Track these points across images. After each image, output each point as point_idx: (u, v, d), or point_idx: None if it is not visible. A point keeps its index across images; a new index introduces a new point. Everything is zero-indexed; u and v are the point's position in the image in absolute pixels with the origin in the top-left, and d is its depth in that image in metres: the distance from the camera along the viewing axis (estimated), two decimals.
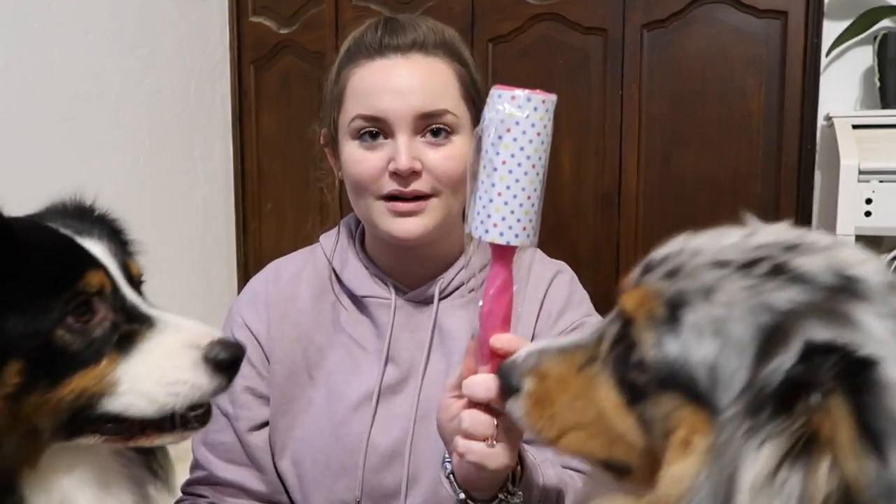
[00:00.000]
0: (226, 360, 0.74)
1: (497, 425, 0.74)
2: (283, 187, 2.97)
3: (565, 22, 2.42)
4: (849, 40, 2.17)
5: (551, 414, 0.65)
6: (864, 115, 2.14)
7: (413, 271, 1.10)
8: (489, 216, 0.72)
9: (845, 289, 0.52)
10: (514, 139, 0.70)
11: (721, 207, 2.29)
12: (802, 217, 2.23)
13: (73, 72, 2.31)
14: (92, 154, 2.39)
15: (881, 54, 2.11)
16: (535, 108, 0.70)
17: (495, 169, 0.71)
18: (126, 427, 0.73)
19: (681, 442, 0.55)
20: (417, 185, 1.02)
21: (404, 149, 1.00)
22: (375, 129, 1.02)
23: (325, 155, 1.21)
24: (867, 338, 0.49)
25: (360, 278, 1.11)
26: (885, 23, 2.14)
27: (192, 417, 0.75)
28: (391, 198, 1.02)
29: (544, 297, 1.11)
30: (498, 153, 0.70)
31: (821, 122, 2.21)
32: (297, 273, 1.15)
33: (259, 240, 3.03)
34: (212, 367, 0.73)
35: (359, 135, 1.04)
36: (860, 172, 1.93)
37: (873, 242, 2.10)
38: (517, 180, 0.70)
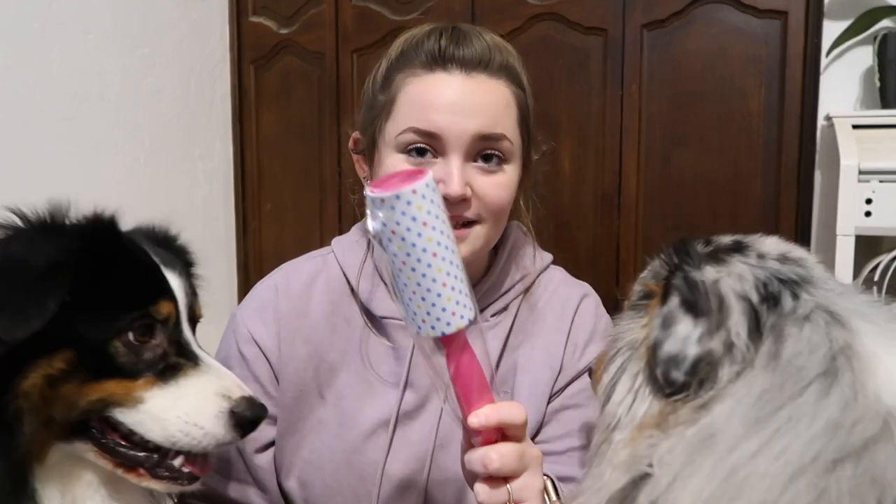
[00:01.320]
0: (248, 420, 0.78)
1: (510, 491, 0.74)
2: (283, 187, 2.97)
3: (565, 22, 2.42)
4: (849, 40, 2.17)
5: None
6: (864, 115, 2.13)
7: None
8: (416, 314, 0.71)
9: (733, 248, 0.71)
10: (402, 239, 0.68)
11: (721, 207, 2.29)
12: (802, 217, 2.22)
13: (73, 72, 2.31)
14: (92, 154, 2.39)
15: (881, 54, 2.11)
16: (409, 202, 0.67)
17: (401, 270, 0.69)
18: (121, 453, 0.76)
19: None
20: (463, 212, 0.97)
21: (457, 173, 0.94)
22: (425, 146, 0.96)
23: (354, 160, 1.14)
24: (726, 268, 0.68)
25: (380, 297, 1.05)
26: (885, 23, 2.14)
27: (184, 473, 0.78)
28: None
29: (571, 325, 1.09)
30: (396, 255, 0.69)
31: (821, 122, 2.21)
32: (308, 283, 1.09)
33: (259, 240, 3.03)
34: (233, 421, 0.77)
35: (406, 149, 0.97)
36: (860, 172, 1.93)
37: (873, 242, 2.10)
38: (423, 275, 0.68)
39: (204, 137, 2.88)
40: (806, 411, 0.56)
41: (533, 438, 1.06)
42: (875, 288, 1.91)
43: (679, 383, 0.62)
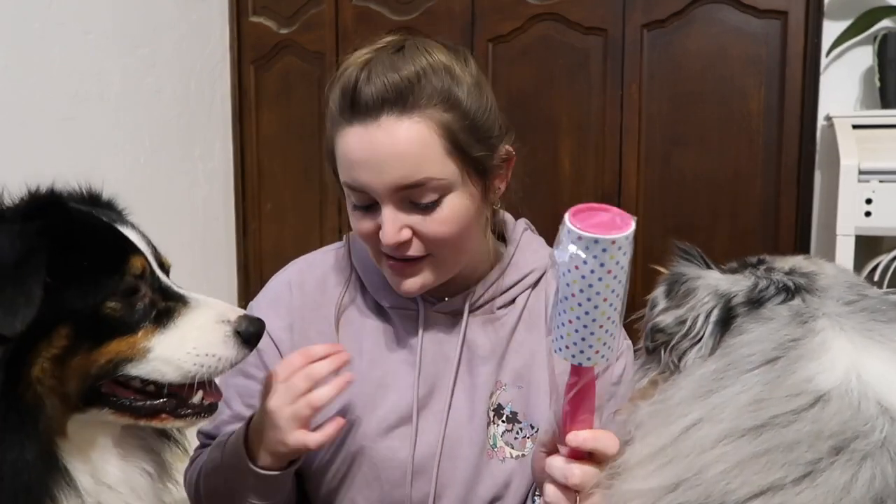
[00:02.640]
0: (252, 334, 0.82)
1: (577, 501, 0.78)
2: (283, 187, 2.97)
3: (565, 22, 2.42)
4: (849, 40, 2.17)
5: None
6: (864, 115, 2.14)
7: (438, 287, 1.08)
8: (562, 338, 0.74)
9: (753, 264, 0.78)
10: (583, 277, 0.70)
11: (721, 207, 2.29)
12: (802, 217, 2.23)
13: (73, 72, 2.31)
14: (92, 154, 2.39)
15: (881, 54, 2.11)
16: (604, 250, 0.69)
17: (567, 299, 0.72)
18: (139, 407, 0.80)
19: None
20: (410, 252, 0.98)
21: (389, 224, 0.95)
22: (362, 198, 0.98)
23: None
24: (730, 278, 0.75)
25: (386, 288, 1.08)
26: (885, 23, 2.14)
27: (205, 406, 0.83)
28: (391, 258, 1.00)
29: None
30: (568, 285, 0.71)
31: (821, 122, 2.21)
32: (322, 279, 1.13)
33: (259, 240, 3.03)
34: (240, 340, 0.82)
35: (352, 201, 1.01)
36: (860, 172, 1.93)
37: (873, 242, 2.10)
38: (587, 312, 0.71)
39: (204, 137, 2.88)
40: (739, 388, 0.65)
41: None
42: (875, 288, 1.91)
43: (649, 350, 0.77)
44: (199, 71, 2.85)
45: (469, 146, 0.97)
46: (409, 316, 1.08)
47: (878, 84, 2.13)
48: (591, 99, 2.41)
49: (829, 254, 1.98)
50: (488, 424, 1.07)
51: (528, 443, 1.07)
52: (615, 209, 0.73)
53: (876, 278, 1.92)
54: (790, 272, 0.74)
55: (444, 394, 1.06)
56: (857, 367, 0.63)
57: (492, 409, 1.07)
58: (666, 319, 0.75)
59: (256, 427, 0.97)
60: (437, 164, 0.95)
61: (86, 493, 0.76)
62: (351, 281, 1.12)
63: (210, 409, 0.84)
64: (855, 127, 2.04)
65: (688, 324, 0.73)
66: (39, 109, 2.21)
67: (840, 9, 2.18)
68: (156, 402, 0.81)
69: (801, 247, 2.22)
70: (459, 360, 1.07)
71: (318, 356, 0.94)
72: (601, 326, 0.72)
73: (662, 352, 0.75)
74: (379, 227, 0.97)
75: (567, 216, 0.72)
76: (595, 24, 2.38)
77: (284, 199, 2.97)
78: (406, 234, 0.96)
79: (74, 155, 2.32)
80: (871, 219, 1.92)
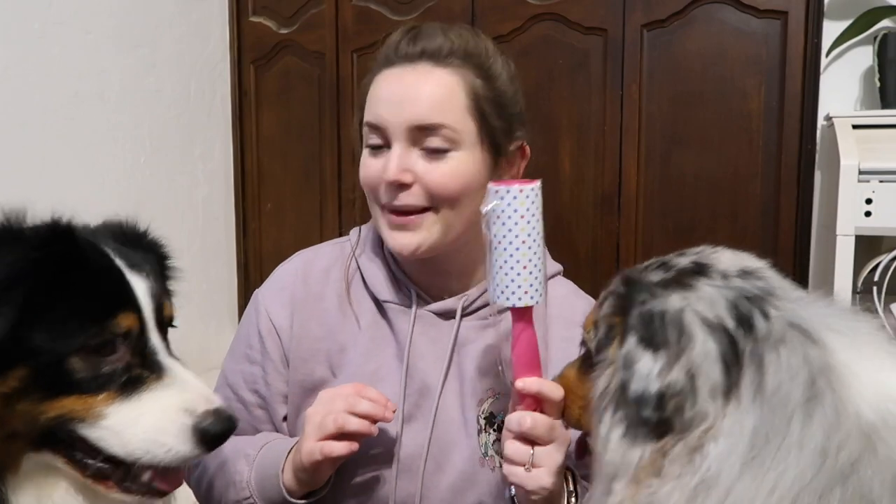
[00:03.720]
0: (214, 435, 0.74)
1: (532, 454, 0.87)
2: (283, 187, 2.97)
3: (565, 22, 2.42)
4: (849, 40, 2.17)
5: (570, 403, 0.86)
6: (864, 115, 2.14)
7: (434, 282, 1.09)
8: (498, 286, 0.89)
9: (695, 271, 0.70)
10: (503, 223, 0.87)
11: (721, 207, 2.29)
12: (802, 217, 2.23)
13: (73, 72, 2.31)
14: (92, 154, 2.39)
15: (881, 54, 2.11)
16: (515, 197, 0.86)
17: (495, 248, 0.88)
18: (88, 465, 0.74)
19: None
20: (409, 199, 1.00)
21: (394, 160, 0.99)
22: (377, 137, 1.02)
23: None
24: (696, 294, 0.67)
25: (383, 282, 1.10)
26: (885, 23, 2.14)
27: (153, 488, 0.76)
28: (391, 209, 1.02)
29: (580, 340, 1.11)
30: (494, 236, 0.88)
31: (821, 122, 2.21)
32: (326, 271, 1.14)
33: (259, 240, 3.04)
34: (198, 435, 0.74)
35: (367, 142, 1.04)
36: (860, 172, 1.93)
37: (873, 242, 2.10)
38: (511, 255, 0.87)
39: (204, 137, 2.88)
40: (793, 441, 0.58)
41: None
42: (875, 288, 1.91)
43: (653, 422, 0.63)
44: (199, 71, 2.85)
45: (489, 114, 1.03)
46: (404, 312, 1.09)
47: (878, 84, 2.13)
48: (591, 99, 2.41)
49: (829, 254, 1.98)
50: (479, 432, 1.07)
51: None
52: (532, 181, 0.89)
53: (876, 278, 1.92)
54: (741, 274, 0.69)
55: (434, 394, 1.07)
56: (884, 387, 0.60)
57: (483, 417, 1.07)
58: (674, 377, 0.62)
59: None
60: (455, 114, 1.00)
61: None
62: (353, 273, 1.13)
63: (158, 494, 0.77)
64: (855, 127, 2.04)
65: (702, 376, 0.62)
66: (39, 109, 2.21)
67: (840, 9, 2.18)
68: (104, 467, 0.74)
69: (801, 247, 2.22)
70: (450, 360, 1.07)
71: (370, 395, 0.96)
72: (525, 267, 0.86)
73: (676, 418, 0.62)
74: (382, 171, 1.01)
75: (489, 184, 0.89)
76: (595, 24, 2.38)
77: (284, 199, 2.97)
78: (408, 176, 1.00)
79: (74, 155, 2.32)
80: (871, 219, 1.92)
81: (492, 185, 0.89)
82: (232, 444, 1.08)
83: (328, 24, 2.77)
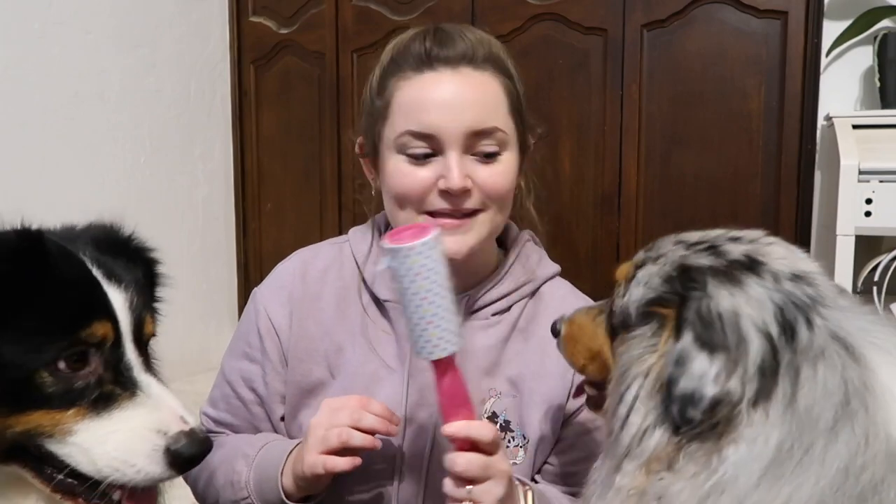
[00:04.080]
0: (186, 458, 0.72)
1: (469, 490, 0.87)
2: (283, 187, 2.97)
3: (565, 22, 2.42)
4: (849, 40, 2.17)
5: (577, 350, 0.86)
6: (864, 115, 2.14)
7: None
8: (415, 341, 0.88)
9: (746, 265, 0.68)
10: (400, 283, 0.85)
11: (721, 207, 2.29)
12: (802, 217, 2.23)
13: (73, 72, 2.31)
14: (92, 154, 2.39)
15: (881, 54, 2.11)
16: (407, 256, 0.84)
17: (404, 305, 0.86)
18: (56, 479, 0.72)
19: None
20: (467, 204, 0.99)
21: (456, 168, 0.97)
22: (424, 145, 0.99)
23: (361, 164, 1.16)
24: (746, 295, 0.65)
25: (386, 282, 1.09)
26: (885, 23, 2.14)
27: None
28: (436, 213, 1.00)
29: None
30: (399, 293, 0.86)
31: (821, 122, 2.21)
32: (324, 270, 1.14)
33: (259, 240, 3.04)
34: (170, 457, 0.71)
35: (405, 151, 1.00)
36: (860, 172, 1.93)
37: (873, 242, 2.10)
38: (414, 313, 0.85)
39: (204, 137, 2.88)
40: (816, 457, 0.57)
41: (550, 452, 1.09)
42: (875, 288, 1.91)
43: (696, 422, 0.62)
44: (199, 71, 2.85)
45: (523, 113, 1.04)
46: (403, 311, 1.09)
47: (878, 84, 2.13)
48: (591, 99, 2.41)
49: (829, 254, 1.98)
50: None
51: (521, 452, 1.07)
52: (430, 225, 0.88)
53: (876, 278, 1.92)
54: (793, 278, 0.66)
55: (436, 395, 1.07)
56: None
57: (486, 416, 1.07)
58: (733, 386, 0.61)
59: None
60: (503, 117, 1.01)
61: None
62: (352, 273, 1.13)
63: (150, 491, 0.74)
64: (855, 127, 2.04)
65: (749, 384, 0.61)
66: (39, 109, 2.21)
67: (840, 9, 2.18)
68: (72, 482, 0.71)
69: (801, 247, 2.21)
70: None
71: (374, 409, 0.95)
72: (430, 322, 0.85)
73: (722, 424, 0.61)
74: (436, 178, 0.99)
75: (382, 240, 0.87)
76: (595, 24, 2.38)
77: (284, 199, 2.97)
78: (468, 181, 0.99)
79: (74, 155, 2.32)
80: (871, 219, 1.92)
81: (384, 243, 0.86)
82: (232, 443, 1.08)
83: (328, 24, 2.77)
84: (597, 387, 0.87)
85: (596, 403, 0.87)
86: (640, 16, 2.33)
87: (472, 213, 1.01)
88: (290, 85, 2.91)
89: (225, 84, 2.98)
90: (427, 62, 0.99)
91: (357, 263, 1.12)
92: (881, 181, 1.93)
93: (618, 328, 0.75)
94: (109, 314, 0.72)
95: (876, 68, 2.13)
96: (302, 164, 2.91)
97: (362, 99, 1.09)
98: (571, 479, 1.08)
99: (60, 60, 2.26)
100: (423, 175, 0.99)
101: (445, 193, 0.98)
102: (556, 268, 1.16)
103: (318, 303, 1.10)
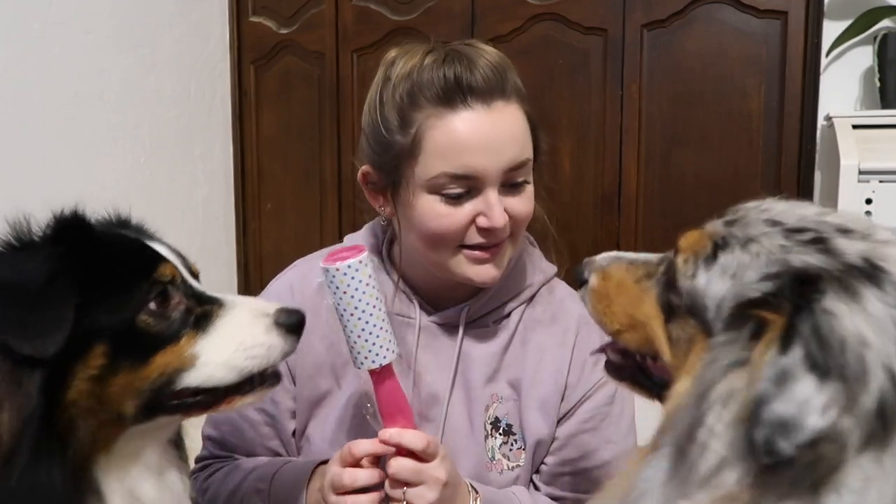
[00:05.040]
0: (293, 324, 0.82)
1: (404, 492, 0.91)
2: (283, 187, 2.97)
3: (565, 22, 2.42)
4: (849, 40, 2.17)
5: (610, 311, 0.76)
6: (864, 115, 2.14)
7: (442, 294, 1.08)
8: (350, 353, 0.94)
9: (866, 272, 0.56)
10: (331, 298, 0.92)
11: (721, 207, 2.27)
12: None
13: (73, 72, 2.31)
14: (92, 154, 2.39)
15: (881, 54, 2.11)
16: (333, 276, 0.91)
17: (340, 321, 0.93)
18: (206, 399, 0.79)
19: (690, 364, 0.63)
20: (502, 236, 1.00)
21: (498, 207, 0.96)
22: (462, 187, 0.96)
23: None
24: (863, 311, 0.54)
25: (389, 293, 1.08)
26: (885, 23, 2.14)
27: (269, 374, 0.83)
28: (476, 247, 1.00)
29: (575, 340, 1.10)
30: (333, 307, 0.93)
31: (821, 122, 2.21)
32: (321, 284, 1.12)
33: (259, 240, 3.04)
34: (283, 329, 0.81)
35: (440, 191, 0.97)
36: (860, 172, 1.93)
37: None
38: (345, 327, 0.92)
39: (204, 137, 2.88)
40: None
41: (546, 453, 1.09)
42: None
43: (785, 457, 0.50)
44: (199, 71, 2.85)
45: (539, 137, 1.04)
46: (407, 324, 1.08)
47: (878, 84, 2.13)
48: (591, 99, 2.41)
49: None
50: (486, 437, 1.07)
51: (522, 454, 1.08)
52: (362, 247, 0.94)
53: None
54: None
55: (441, 405, 1.07)
56: None
57: (489, 422, 1.07)
58: (846, 425, 0.50)
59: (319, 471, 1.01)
60: (529, 146, 1.01)
61: None
62: None
63: (274, 376, 0.84)
64: (855, 127, 2.04)
65: (864, 424, 0.51)
66: (39, 109, 2.21)
67: (840, 9, 2.18)
68: (211, 399, 0.80)
69: None
70: (455, 371, 1.07)
71: (358, 453, 0.95)
72: (360, 336, 0.91)
73: (820, 465, 0.51)
74: (473, 216, 0.97)
75: (321, 264, 0.92)
76: (595, 24, 2.38)
77: (284, 199, 2.98)
78: (506, 216, 0.98)
79: (74, 155, 2.32)
80: (871, 219, 1.92)
81: (321, 263, 0.92)
82: (241, 473, 1.08)
83: (328, 24, 2.77)
84: (622, 354, 0.80)
85: (617, 372, 0.80)
86: (640, 16, 2.33)
87: (501, 243, 1.01)
88: (290, 85, 2.91)
89: (225, 84, 2.98)
90: (459, 96, 0.95)
91: None
92: (881, 181, 1.93)
93: (678, 310, 0.66)
94: (165, 259, 0.80)
95: (876, 68, 2.13)
96: (302, 164, 2.91)
97: (370, 125, 1.03)
98: (561, 480, 1.09)
99: (60, 60, 2.26)
100: (462, 215, 0.97)
101: (484, 230, 0.97)
102: (553, 269, 1.15)
103: (318, 318, 1.08)
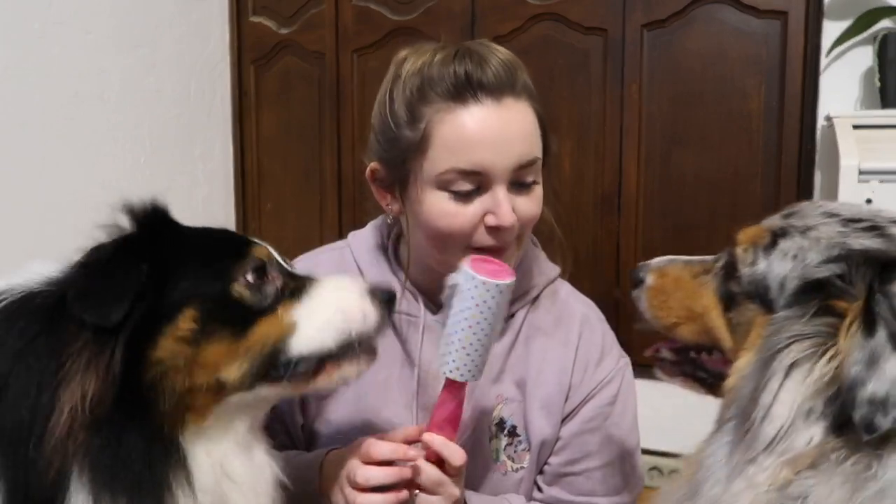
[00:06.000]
0: (385, 296, 0.84)
1: (416, 494, 0.91)
2: (283, 187, 2.97)
3: (565, 22, 2.42)
4: (849, 40, 2.17)
5: (666, 305, 0.81)
6: (864, 115, 2.13)
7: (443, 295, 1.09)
8: (442, 351, 0.92)
9: None
10: (460, 301, 0.90)
11: (721, 207, 2.29)
12: None
13: (73, 72, 2.31)
14: (92, 154, 2.39)
15: (881, 54, 2.11)
16: (476, 286, 0.88)
17: (453, 322, 0.90)
18: (307, 367, 0.80)
19: (751, 342, 0.67)
20: (511, 236, 0.98)
21: (506, 205, 0.95)
22: (471, 183, 0.95)
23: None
24: None
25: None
26: (885, 23, 2.14)
27: (366, 347, 0.83)
28: (480, 249, 0.98)
29: (578, 341, 1.09)
30: (451, 307, 0.91)
31: (821, 122, 2.21)
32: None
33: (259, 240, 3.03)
34: (377, 298, 0.83)
35: (449, 187, 0.96)
36: (860, 172, 1.93)
37: None
38: (456, 332, 0.90)
39: (204, 137, 2.88)
40: None
41: (549, 455, 1.09)
42: None
43: (883, 430, 0.56)
44: (199, 71, 2.85)
45: (547, 136, 1.02)
46: (412, 322, 1.08)
47: (878, 84, 2.13)
48: (591, 99, 2.41)
49: None
50: (491, 439, 1.07)
51: (527, 456, 1.07)
52: (511, 270, 0.93)
53: None
54: None
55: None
56: None
57: (495, 423, 1.07)
58: None
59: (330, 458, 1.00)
60: (539, 145, 1.00)
61: (202, 491, 0.73)
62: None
63: (372, 350, 0.85)
64: (855, 127, 2.04)
65: None
66: (39, 109, 2.21)
67: (840, 9, 2.18)
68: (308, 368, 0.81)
69: None
70: None
71: (379, 454, 0.94)
72: (464, 348, 0.90)
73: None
74: (482, 215, 0.96)
75: (463, 263, 0.90)
76: (595, 24, 2.38)
77: (284, 199, 2.97)
78: (515, 216, 0.97)
79: (74, 155, 2.32)
80: None
81: (467, 268, 0.90)
82: None
83: (328, 24, 2.77)
84: (676, 351, 0.83)
85: (672, 367, 0.84)
86: (640, 16, 2.33)
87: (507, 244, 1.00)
88: (290, 85, 2.91)
89: (225, 84, 2.97)
90: (469, 90, 0.94)
91: (359, 268, 1.12)
92: (881, 181, 1.92)
93: (738, 297, 0.71)
94: (258, 243, 0.84)
95: (876, 68, 2.13)
96: (302, 164, 2.91)
97: (379, 121, 1.02)
98: (563, 481, 1.09)
99: (60, 60, 2.26)
100: (470, 213, 0.96)
101: (493, 229, 0.96)
102: (556, 270, 1.15)
103: None
